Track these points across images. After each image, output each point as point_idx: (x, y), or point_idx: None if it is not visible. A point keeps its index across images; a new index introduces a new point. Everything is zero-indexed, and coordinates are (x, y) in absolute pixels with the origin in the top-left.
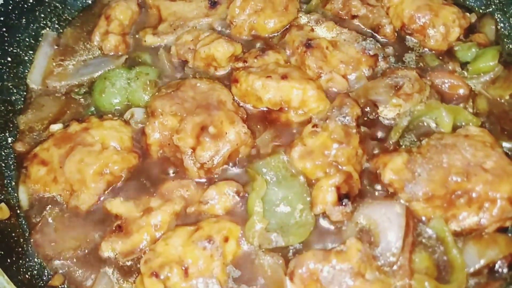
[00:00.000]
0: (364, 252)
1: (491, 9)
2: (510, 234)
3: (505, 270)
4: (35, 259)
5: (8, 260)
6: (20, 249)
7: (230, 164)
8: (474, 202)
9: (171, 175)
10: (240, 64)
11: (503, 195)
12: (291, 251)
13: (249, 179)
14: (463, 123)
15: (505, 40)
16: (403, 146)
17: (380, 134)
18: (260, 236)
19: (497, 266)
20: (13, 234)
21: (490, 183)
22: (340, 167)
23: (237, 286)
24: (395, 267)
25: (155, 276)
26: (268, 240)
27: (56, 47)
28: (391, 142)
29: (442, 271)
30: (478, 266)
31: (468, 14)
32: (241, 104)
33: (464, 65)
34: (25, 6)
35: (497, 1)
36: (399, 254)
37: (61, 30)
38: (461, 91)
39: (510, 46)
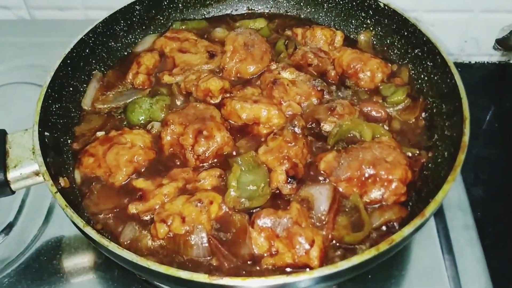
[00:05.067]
0: (301, 210)
1: (406, 61)
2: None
3: (397, 226)
4: (85, 214)
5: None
6: (75, 207)
7: (217, 157)
8: (378, 182)
9: (177, 164)
10: (228, 95)
11: (396, 177)
12: (254, 211)
13: (229, 167)
14: (380, 136)
15: (414, 82)
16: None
17: (321, 141)
18: (234, 201)
19: (391, 224)
20: (71, 197)
21: (389, 169)
22: (290, 159)
23: (217, 233)
24: (323, 223)
25: (163, 222)
26: (239, 203)
27: (101, 82)
28: (328, 146)
29: (356, 227)
30: (379, 223)
31: (390, 64)
32: (227, 120)
33: (385, 98)
34: (83, 54)
35: (410, 56)
36: (326, 215)
37: (105, 72)
38: (381, 115)
39: (417, 86)
